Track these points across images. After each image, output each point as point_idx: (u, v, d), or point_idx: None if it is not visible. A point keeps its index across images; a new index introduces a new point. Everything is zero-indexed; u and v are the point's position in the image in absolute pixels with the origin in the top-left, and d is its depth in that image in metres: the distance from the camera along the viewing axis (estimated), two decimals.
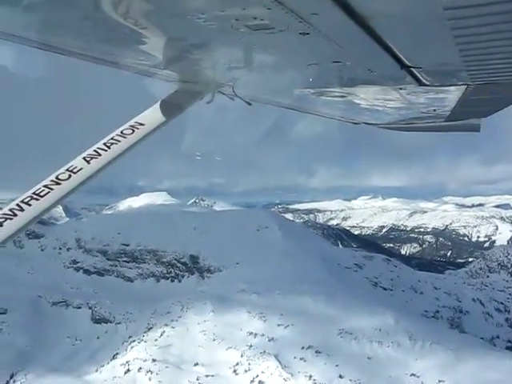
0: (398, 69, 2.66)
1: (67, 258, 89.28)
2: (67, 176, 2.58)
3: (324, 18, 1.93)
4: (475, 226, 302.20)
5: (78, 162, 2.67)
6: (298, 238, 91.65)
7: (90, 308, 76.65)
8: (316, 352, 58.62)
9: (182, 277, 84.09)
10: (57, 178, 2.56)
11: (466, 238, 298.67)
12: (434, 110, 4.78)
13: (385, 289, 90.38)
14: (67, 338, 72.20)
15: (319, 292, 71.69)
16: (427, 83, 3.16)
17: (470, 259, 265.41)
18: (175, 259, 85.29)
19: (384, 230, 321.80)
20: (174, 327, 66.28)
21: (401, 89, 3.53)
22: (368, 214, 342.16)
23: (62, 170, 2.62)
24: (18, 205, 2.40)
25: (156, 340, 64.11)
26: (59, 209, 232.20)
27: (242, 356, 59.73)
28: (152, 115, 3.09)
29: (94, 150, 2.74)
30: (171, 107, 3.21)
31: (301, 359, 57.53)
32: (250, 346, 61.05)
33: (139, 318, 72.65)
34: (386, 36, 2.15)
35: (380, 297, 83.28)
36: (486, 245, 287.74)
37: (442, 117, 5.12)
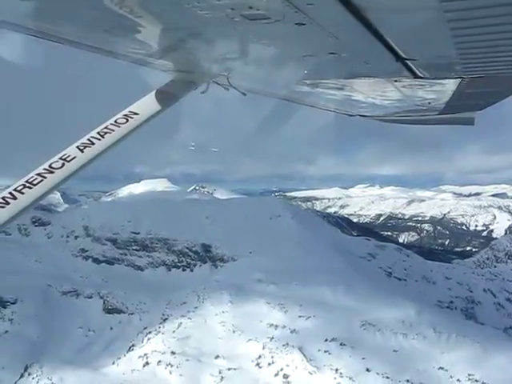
0: (394, 61, 2.61)
1: (75, 246, 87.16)
2: (60, 164, 2.54)
3: (320, 8, 1.92)
4: (473, 215, 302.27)
5: (71, 150, 2.63)
6: (311, 226, 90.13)
7: (101, 298, 74.74)
8: (340, 344, 57.25)
9: (194, 266, 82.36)
10: (50, 166, 2.53)
11: (463, 227, 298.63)
12: (429, 103, 4.71)
13: (399, 279, 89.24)
14: (79, 329, 70.34)
15: (337, 282, 70.22)
16: (422, 76, 3.13)
17: (468, 248, 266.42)
18: (187, 248, 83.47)
19: (382, 219, 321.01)
20: (191, 318, 64.62)
21: (396, 81, 3.47)
22: (366, 202, 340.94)
23: (56, 158, 2.58)
24: (10, 193, 2.39)
25: (174, 332, 62.44)
26: (57, 195, 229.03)
27: (263, 348, 58.24)
28: (146, 104, 3.03)
29: (88, 139, 2.70)
30: (166, 97, 3.16)
31: (325, 352, 56.13)
32: (272, 338, 59.56)
33: (153, 308, 70.93)
34: (382, 28, 2.12)
35: (395, 287, 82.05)
36: (484, 234, 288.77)
37: (436, 110, 5.05)
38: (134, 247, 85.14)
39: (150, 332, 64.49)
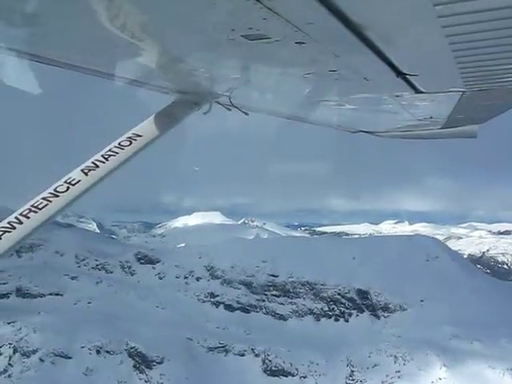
0: (394, 76, 2.64)
1: (200, 289, 74.75)
2: (65, 188, 2.53)
3: (319, 27, 1.95)
4: None
5: (76, 174, 2.63)
6: (469, 269, 78.52)
7: (256, 355, 62.03)
8: None
9: (349, 315, 70.06)
10: (55, 190, 2.52)
11: (505, 266, 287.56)
12: (431, 117, 4.66)
13: None
14: None
15: None
16: (423, 90, 3.12)
17: None
18: (339, 294, 71.25)
19: None
20: None
21: (397, 96, 3.48)
22: None
23: (60, 182, 2.57)
24: (16, 218, 2.37)
25: None
26: (94, 225, 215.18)
27: None
28: (149, 126, 3.02)
29: (92, 162, 2.69)
30: (168, 118, 3.16)
31: None
32: None
33: (329, 369, 58.38)
34: (382, 44, 2.14)
35: None
36: None
37: (438, 124, 4.98)
38: (273, 292, 72.81)
39: None
